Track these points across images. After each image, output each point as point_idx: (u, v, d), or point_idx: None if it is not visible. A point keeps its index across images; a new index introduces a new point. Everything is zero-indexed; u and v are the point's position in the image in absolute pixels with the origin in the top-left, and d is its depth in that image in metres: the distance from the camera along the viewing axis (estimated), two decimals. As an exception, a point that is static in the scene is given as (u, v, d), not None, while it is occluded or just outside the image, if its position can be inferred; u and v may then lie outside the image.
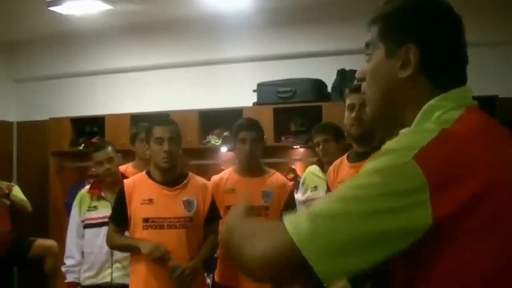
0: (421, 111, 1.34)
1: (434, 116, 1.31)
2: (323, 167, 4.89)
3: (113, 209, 4.09)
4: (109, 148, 4.76)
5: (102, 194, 4.69)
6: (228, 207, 4.28)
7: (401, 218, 1.17)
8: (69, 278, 4.66)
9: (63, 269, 4.74)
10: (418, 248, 1.20)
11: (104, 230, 4.50)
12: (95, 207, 4.66)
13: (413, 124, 1.35)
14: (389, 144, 1.26)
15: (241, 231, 1.32)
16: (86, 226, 4.65)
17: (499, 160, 1.27)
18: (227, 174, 4.45)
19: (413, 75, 1.36)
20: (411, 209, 1.17)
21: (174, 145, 3.87)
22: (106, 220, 4.50)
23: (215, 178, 4.48)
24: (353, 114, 3.19)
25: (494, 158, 1.25)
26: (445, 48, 1.37)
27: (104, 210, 4.58)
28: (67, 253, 4.74)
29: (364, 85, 1.48)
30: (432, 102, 1.34)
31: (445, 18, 1.39)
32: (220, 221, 4.11)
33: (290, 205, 4.29)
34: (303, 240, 1.16)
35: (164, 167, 3.89)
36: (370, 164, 1.24)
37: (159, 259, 3.72)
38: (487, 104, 5.49)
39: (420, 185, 1.16)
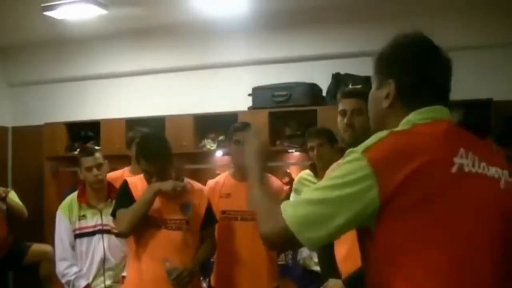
0: (400, 124, 1.75)
1: (406, 126, 1.73)
2: (316, 171, 4.88)
3: (117, 200, 3.98)
4: (98, 154, 4.63)
5: (90, 201, 4.56)
6: (223, 212, 4.29)
7: (354, 202, 1.59)
8: (82, 283, 4.42)
9: (70, 277, 4.43)
10: (372, 226, 1.62)
11: (95, 239, 4.48)
12: (84, 216, 4.52)
13: None
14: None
15: (258, 205, 1.81)
16: (77, 236, 4.51)
17: (437, 154, 1.63)
18: (222, 178, 4.45)
19: (392, 103, 1.81)
20: (362, 194, 1.58)
21: (162, 174, 3.83)
22: (98, 229, 4.49)
23: (210, 182, 4.48)
24: (345, 121, 3.18)
25: (432, 152, 1.62)
26: (415, 80, 1.79)
27: (93, 219, 4.52)
28: (67, 262, 4.48)
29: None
30: (407, 117, 1.76)
31: (419, 59, 1.81)
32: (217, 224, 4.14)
33: None
34: (289, 221, 1.63)
35: None
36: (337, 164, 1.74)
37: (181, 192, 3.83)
38: (482, 107, 5.53)
39: (366, 173, 1.58)
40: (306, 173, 5.01)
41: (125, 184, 3.99)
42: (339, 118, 3.25)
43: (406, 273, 1.58)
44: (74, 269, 4.47)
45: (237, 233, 4.28)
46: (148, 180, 3.85)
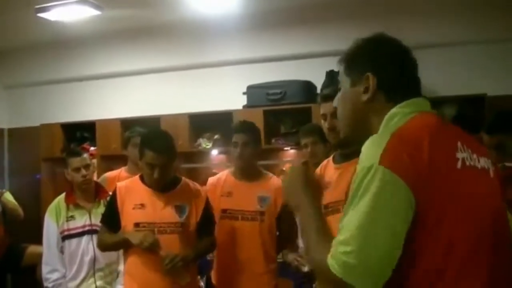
0: (385, 118, 1.73)
1: (394, 121, 1.70)
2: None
3: (105, 212, 4.07)
4: (85, 155, 4.66)
5: (78, 202, 4.57)
6: (224, 210, 4.32)
7: (406, 219, 1.52)
8: None
9: (49, 284, 4.51)
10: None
11: (85, 239, 4.48)
12: (72, 217, 4.52)
13: (380, 130, 1.72)
14: (361, 161, 1.59)
15: (313, 247, 1.67)
16: (66, 237, 4.51)
17: (442, 149, 1.61)
18: (224, 176, 4.47)
19: (373, 96, 1.78)
20: (407, 208, 1.51)
21: (166, 170, 3.82)
22: (86, 229, 4.49)
23: (212, 179, 4.51)
24: (327, 124, 3.22)
25: (438, 148, 1.58)
26: (394, 72, 1.78)
27: (82, 219, 4.52)
28: (49, 266, 4.54)
29: (337, 111, 1.93)
30: (392, 110, 1.73)
31: (392, 50, 1.81)
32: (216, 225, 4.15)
33: (287, 209, 4.35)
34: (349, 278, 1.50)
35: (153, 187, 3.91)
36: (361, 195, 1.54)
37: (150, 248, 3.69)
38: (476, 102, 5.56)
39: (402, 188, 1.51)
40: None
41: (113, 193, 4.00)
42: (322, 121, 3.29)
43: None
44: (55, 275, 4.50)
45: (237, 232, 4.30)
46: (149, 176, 3.82)
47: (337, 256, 1.51)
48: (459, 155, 1.64)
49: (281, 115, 6.43)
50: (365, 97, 1.78)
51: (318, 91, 6.32)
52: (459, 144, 1.66)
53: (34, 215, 6.58)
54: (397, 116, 1.70)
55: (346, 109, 1.87)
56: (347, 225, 1.53)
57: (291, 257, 4.24)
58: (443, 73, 5.91)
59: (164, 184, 3.90)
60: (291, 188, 1.96)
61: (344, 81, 1.87)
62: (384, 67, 1.78)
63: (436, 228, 1.53)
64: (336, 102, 1.93)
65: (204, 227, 4.01)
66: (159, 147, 3.78)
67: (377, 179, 1.51)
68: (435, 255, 1.53)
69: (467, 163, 1.64)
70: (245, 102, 6.48)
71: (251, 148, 4.32)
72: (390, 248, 1.50)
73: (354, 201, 1.54)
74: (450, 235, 1.53)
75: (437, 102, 5.65)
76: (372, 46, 1.84)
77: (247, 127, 4.39)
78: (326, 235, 1.66)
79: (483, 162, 1.72)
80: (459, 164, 1.62)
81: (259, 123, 6.04)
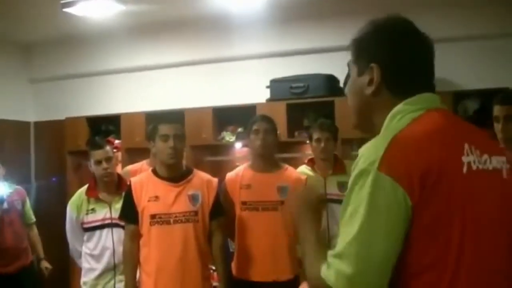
0: (388, 116, 1.62)
1: (395, 120, 1.60)
2: (313, 166, 4.94)
3: (122, 207, 4.17)
4: (108, 147, 4.64)
5: (99, 195, 4.56)
6: (244, 203, 4.37)
7: (403, 224, 1.44)
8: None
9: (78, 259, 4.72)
10: None
11: (105, 232, 4.50)
12: (93, 210, 4.53)
13: (382, 129, 1.62)
14: (357, 165, 1.50)
15: (307, 256, 1.65)
16: (86, 230, 4.55)
17: (446, 154, 1.51)
18: (241, 170, 4.52)
19: (377, 90, 1.65)
20: (403, 213, 1.44)
21: (179, 142, 3.99)
22: (107, 222, 4.51)
23: (230, 174, 4.55)
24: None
25: (441, 152, 1.49)
26: (402, 63, 1.64)
27: (102, 212, 4.53)
28: (75, 257, 4.78)
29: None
30: (396, 107, 1.61)
31: (404, 40, 1.66)
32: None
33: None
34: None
35: (170, 163, 4.01)
36: (355, 198, 1.47)
37: None
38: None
39: (400, 193, 1.43)
40: (305, 168, 5.03)
41: (128, 188, 4.11)
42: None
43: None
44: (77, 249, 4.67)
45: (258, 223, 4.35)
46: (164, 150, 3.96)
47: (332, 267, 1.47)
48: (465, 158, 1.52)
49: (304, 109, 6.44)
50: (369, 90, 1.66)
51: (341, 84, 6.33)
52: (466, 146, 1.54)
53: (59, 207, 6.66)
54: (400, 114, 1.60)
55: (353, 100, 1.74)
56: (342, 233, 1.48)
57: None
58: (466, 67, 5.89)
59: (178, 170, 4.08)
60: (300, 208, 1.82)
61: (352, 69, 1.73)
62: (391, 57, 1.64)
63: (443, 235, 1.45)
64: (346, 89, 1.79)
65: (215, 217, 4.15)
66: (170, 119, 4.07)
67: (375, 185, 1.43)
68: (446, 263, 1.45)
69: (474, 167, 1.53)
70: (268, 96, 6.51)
71: (273, 137, 4.38)
72: (386, 258, 1.43)
73: (348, 207, 1.48)
74: (460, 240, 1.45)
75: (461, 96, 5.67)
76: (380, 31, 1.68)
77: (268, 118, 4.47)
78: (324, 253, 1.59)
79: (495, 162, 1.60)
80: (464, 169, 1.51)
81: (282, 117, 6.12)
